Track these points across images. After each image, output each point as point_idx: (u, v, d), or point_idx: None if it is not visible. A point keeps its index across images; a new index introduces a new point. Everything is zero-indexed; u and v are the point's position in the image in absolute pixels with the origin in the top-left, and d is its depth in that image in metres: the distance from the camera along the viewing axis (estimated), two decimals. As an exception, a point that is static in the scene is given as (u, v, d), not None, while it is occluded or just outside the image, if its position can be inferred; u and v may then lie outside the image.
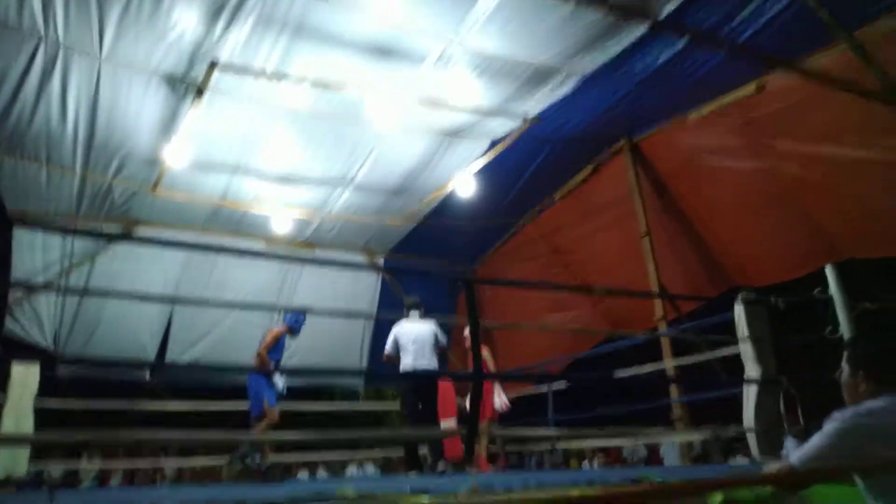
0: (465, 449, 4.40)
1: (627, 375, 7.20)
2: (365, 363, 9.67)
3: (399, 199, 8.34)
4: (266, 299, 8.81)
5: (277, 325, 6.50)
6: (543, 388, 7.95)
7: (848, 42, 5.12)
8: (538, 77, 6.24)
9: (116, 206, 7.54)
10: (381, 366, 6.92)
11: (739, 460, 7.40)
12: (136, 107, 6.13)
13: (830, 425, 2.06)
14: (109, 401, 7.32)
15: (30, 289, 7.48)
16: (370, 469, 10.35)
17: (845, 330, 4.47)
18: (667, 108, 7.05)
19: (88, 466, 9.15)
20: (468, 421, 3.67)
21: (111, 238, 7.08)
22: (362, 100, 6.30)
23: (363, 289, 9.73)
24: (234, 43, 5.41)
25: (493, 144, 7.40)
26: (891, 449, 1.94)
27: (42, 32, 5.20)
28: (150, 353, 8.27)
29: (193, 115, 6.08)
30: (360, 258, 9.50)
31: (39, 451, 8.02)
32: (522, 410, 9.04)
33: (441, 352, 6.24)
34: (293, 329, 6.41)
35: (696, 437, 7.46)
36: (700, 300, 8.01)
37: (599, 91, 6.64)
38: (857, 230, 6.28)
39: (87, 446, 9.39)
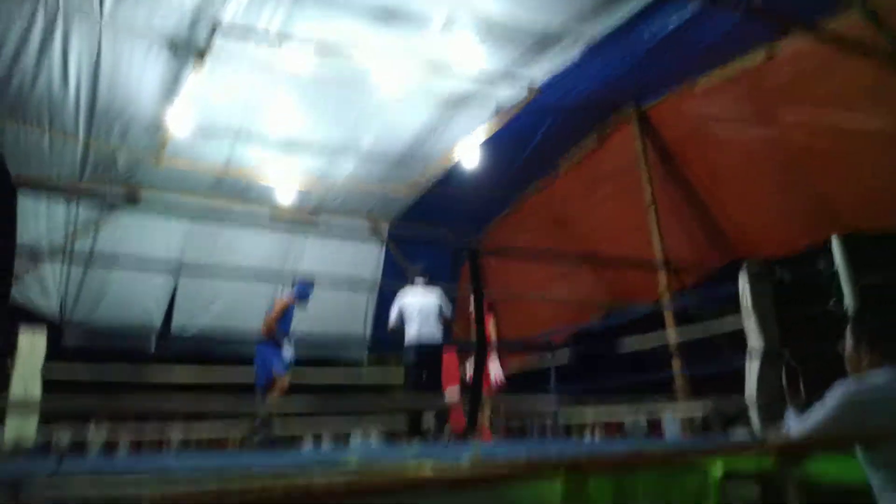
0: (468, 418, 4.44)
1: (630, 347, 7.22)
2: (369, 332, 9.72)
3: (403, 167, 8.29)
4: (270, 269, 8.83)
5: (286, 295, 6.52)
6: (546, 360, 7.99)
7: (860, 7, 5.03)
8: (544, 42, 6.14)
9: (120, 173, 7.52)
10: (386, 335, 6.95)
11: (741, 432, 7.44)
12: (137, 72, 6.07)
13: (832, 397, 2.07)
14: (116, 369, 7.37)
15: (36, 257, 7.50)
16: (374, 438, 10.46)
17: (849, 302, 4.46)
18: (675, 76, 6.95)
19: (96, 434, 9.26)
20: (471, 390, 3.71)
21: (116, 204, 7.06)
22: (366, 66, 6.22)
23: (367, 258, 9.74)
24: (236, 5, 5.33)
25: (499, 113, 7.32)
26: (892, 421, 1.95)
27: (40, -8, 5.12)
28: (156, 322, 8.33)
29: (195, 81, 6.03)
30: (364, 227, 9.49)
31: (47, 419, 8.13)
32: (525, 381, 9.11)
33: (445, 322, 6.27)
34: (302, 299, 6.43)
35: (697, 409, 7.50)
36: (704, 271, 7.99)
37: (607, 58, 6.53)
38: (864, 201, 6.23)
39: (95, 414, 9.51)
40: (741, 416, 8.15)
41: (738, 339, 4.90)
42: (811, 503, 2.71)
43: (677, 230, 7.68)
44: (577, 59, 6.46)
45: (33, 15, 5.30)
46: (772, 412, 4.22)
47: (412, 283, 6.30)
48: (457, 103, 7.14)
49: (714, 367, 6.61)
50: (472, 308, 5.97)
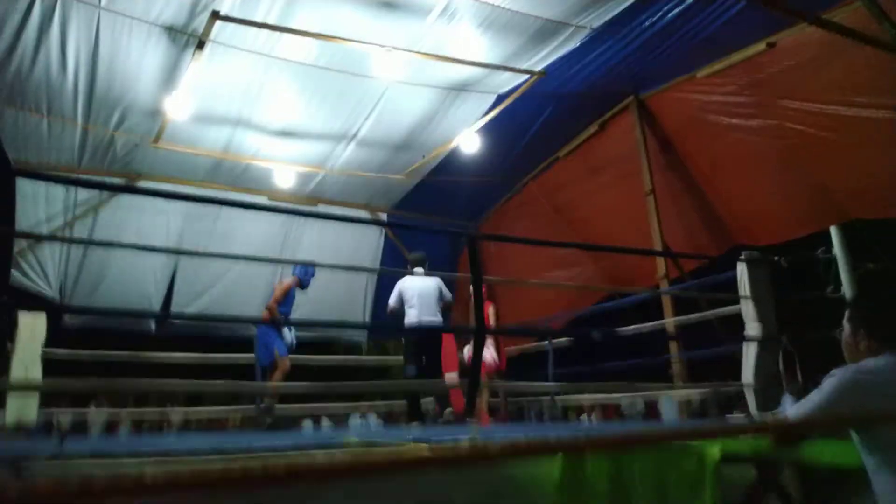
0: (467, 402, 4.48)
1: (628, 332, 7.25)
2: (368, 318, 9.74)
3: (403, 154, 8.28)
4: (269, 254, 8.84)
5: (287, 279, 6.54)
6: (545, 344, 8.03)
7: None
8: (546, 31, 6.12)
9: (118, 159, 7.52)
10: (385, 320, 6.98)
11: (737, 416, 7.50)
12: (136, 58, 6.05)
13: (830, 382, 2.08)
14: (116, 351, 7.40)
15: (36, 239, 7.50)
16: (373, 420, 10.54)
17: (847, 289, 4.49)
18: (675, 65, 6.94)
19: (96, 414, 9.32)
20: (470, 374, 3.73)
21: (115, 189, 7.05)
22: (366, 53, 6.20)
23: (366, 244, 9.74)
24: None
25: (499, 100, 7.31)
26: (890, 406, 1.97)
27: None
28: (156, 305, 8.34)
29: (195, 68, 6.00)
30: (363, 214, 9.49)
31: (48, 399, 8.16)
32: (523, 365, 9.16)
33: (445, 307, 6.28)
34: (303, 282, 6.45)
35: (694, 393, 7.55)
36: (703, 258, 8.02)
37: (608, 46, 6.53)
38: (862, 190, 6.25)
39: (96, 394, 9.57)
40: (738, 401, 8.24)
41: (736, 324, 4.94)
42: (807, 486, 2.75)
43: (676, 218, 7.71)
44: (579, 48, 6.44)
45: (32, 0, 5.27)
46: (768, 396, 4.27)
47: (411, 271, 6.30)
48: (457, 91, 7.13)
49: (711, 352, 6.66)
50: (471, 294, 6.01)
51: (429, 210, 9.61)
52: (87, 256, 7.91)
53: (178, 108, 6.47)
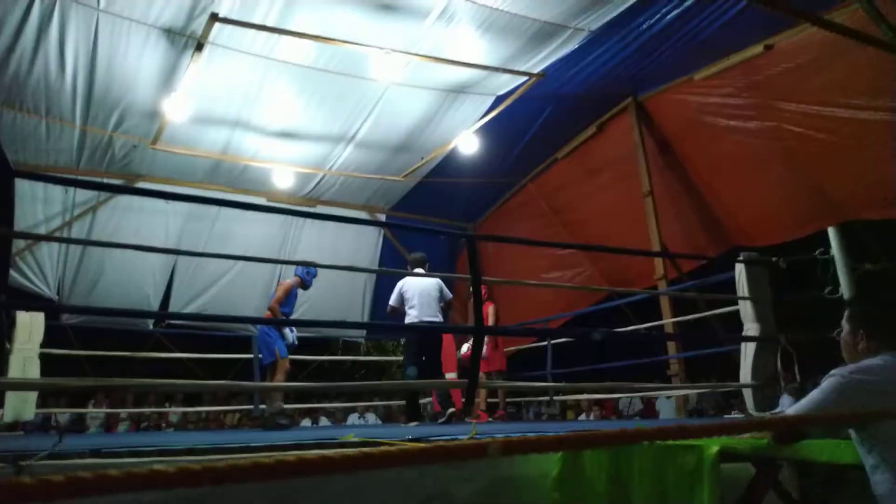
0: (465, 400, 4.48)
1: (627, 331, 7.27)
2: (367, 318, 9.75)
3: (402, 156, 8.29)
4: (267, 256, 8.84)
5: (289, 279, 6.55)
6: (543, 343, 8.06)
7: (861, 1, 5.03)
8: (544, 33, 6.13)
9: (116, 160, 7.53)
10: (383, 320, 6.97)
11: (735, 416, 7.53)
12: (135, 60, 6.05)
13: (829, 382, 2.09)
14: (114, 350, 7.41)
15: (34, 239, 7.50)
16: (371, 419, 10.55)
17: (845, 290, 4.51)
18: (673, 67, 6.96)
19: (94, 412, 9.32)
20: (469, 373, 3.74)
21: (113, 189, 7.04)
22: (364, 55, 6.20)
23: (365, 245, 9.75)
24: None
25: (498, 102, 7.32)
26: (889, 405, 1.98)
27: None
28: (154, 306, 8.34)
29: (193, 70, 6.00)
30: (362, 215, 9.49)
31: (46, 397, 8.16)
32: (523, 364, 9.18)
33: (446, 305, 6.29)
34: (305, 282, 6.46)
35: (692, 391, 7.58)
36: (701, 259, 8.04)
37: (606, 48, 6.55)
38: (860, 192, 6.26)
39: (94, 392, 9.56)
40: (736, 400, 8.27)
41: (734, 324, 4.96)
42: (806, 484, 2.76)
43: (674, 219, 7.73)
44: (577, 49, 6.45)
45: (31, 2, 5.27)
46: (766, 396, 4.28)
47: (412, 270, 6.30)
48: (456, 92, 7.13)
49: (710, 351, 6.68)
50: (470, 294, 6.01)
51: (427, 211, 9.62)
52: (86, 257, 7.91)
53: (176, 109, 6.47)
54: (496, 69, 6.59)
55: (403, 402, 7.25)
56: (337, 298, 9.17)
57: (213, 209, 8.30)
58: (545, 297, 9.33)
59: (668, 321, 6.86)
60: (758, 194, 7.13)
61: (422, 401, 7.51)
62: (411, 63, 6.32)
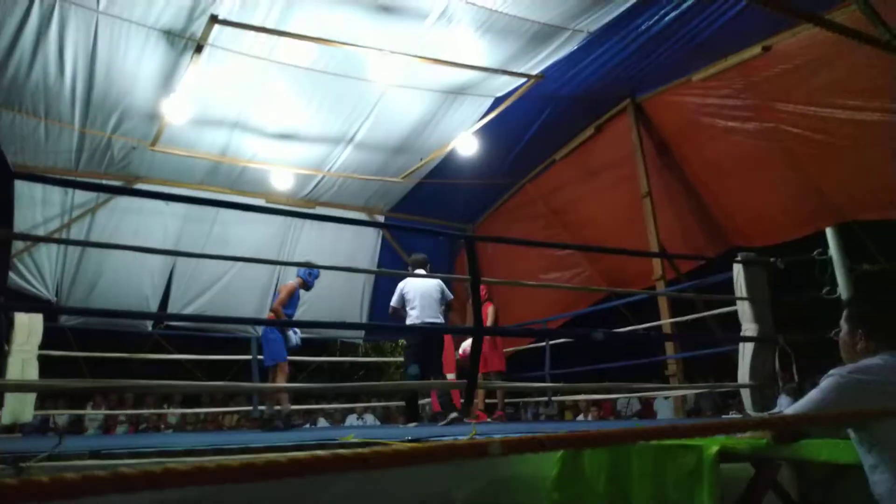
0: (465, 401, 4.49)
1: (625, 331, 7.28)
2: (365, 320, 9.75)
3: (400, 157, 8.29)
4: (266, 257, 8.84)
5: (290, 280, 6.55)
6: (541, 344, 8.07)
7: (858, 2, 5.05)
8: (543, 35, 6.13)
9: (115, 162, 7.53)
10: (382, 322, 6.97)
11: (733, 417, 7.54)
12: (134, 62, 6.05)
13: (829, 381, 2.09)
14: (113, 351, 7.40)
15: (33, 241, 7.49)
16: (370, 420, 10.55)
17: (843, 290, 4.52)
18: (672, 69, 6.98)
19: (93, 414, 9.31)
20: (468, 374, 3.74)
21: (112, 190, 7.04)
22: (364, 57, 6.20)
23: (363, 247, 9.74)
24: (233, -4, 5.31)
25: (497, 103, 7.33)
26: (888, 405, 1.98)
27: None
28: (153, 307, 8.33)
29: (193, 71, 6.00)
30: (360, 216, 9.49)
31: (44, 399, 8.15)
32: (521, 365, 9.19)
33: (447, 306, 6.28)
34: (307, 283, 6.47)
35: (690, 392, 7.58)
36: (699, 260, 8.06)
37: (605, 50, 6.56)
38: (857, 192, 6.29)
39: (92, 393, 9.55)
40: (734, 400, 8.28)
41: (733, 325, 4.97)
42: (805, 484, 2.77)
43: (672, 220, 7.74)
44: (576, 51, 6.46)
45: (30, 3, 5.27)
46: (764, 396, 4.29)
47: (413, 271, 6.30)
48: (455, 94, 7.14)
49: (708, 352, 6.69)
50: (469, 295, 6.01)
51: (426, 212, 9.63)
52: (84, 258, 7.91)
53: (175, 111, 6.47)
54: (495, 71, 6.60)
55: (402, 403, 7.25)
56: (336, 300, 9.17)
57: (212, 211, 8.30)
58: (544, 297, 9.35)
59: (666, 321, 6.88)
60: (756, 195, 7.15)
61: (420, 402, 7.52)
62: (410, 64, 6.32)
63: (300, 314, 7.00)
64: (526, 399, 11.31)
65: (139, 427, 9.72)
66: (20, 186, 7.34)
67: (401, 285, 6.22)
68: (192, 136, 7.24)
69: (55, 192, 7.49)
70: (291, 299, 6.30)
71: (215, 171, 8.08)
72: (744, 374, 4.48)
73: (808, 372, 4.36)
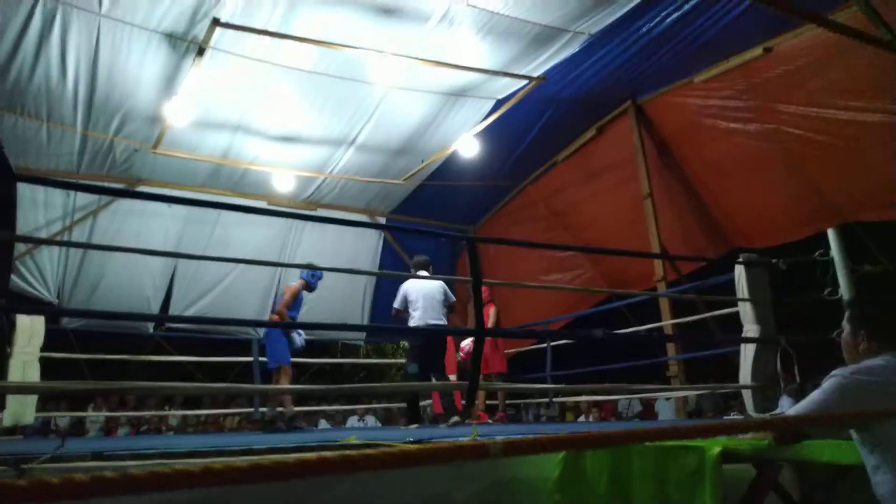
0: (466, 402, 4.49)
1: (626, 332, 7.28)
2: (367, 321, 9.75)
3: (402, 159, 8.30)
4: (267, 259, 8.84)
5: (293, 282, 6.56)
6: (543, 345, 8.07)
7: (859, 3, 5.05)
8: (544, 37, 6.13)
9: (117, 165, 7.54)
10: (384, 323, 6.96)
11: (735, 418, 7.53)
12: (136, 65, 6.05)
13: (831, 382, 2.09)
14: (114, 353, 7.41)
15: (35, 243, 7.50)
16: (371, 421, 10.55)
17: (844, 291, 4.51)
18: (673, 70, 6.98)
19: (94, 416, 9.31)
20: (469, 375, 3.74)
21: (115, 193, 7.05)
22: (365, 60, 6.20)
23: (365, 249, 9.74)
24: (235, 0, 5.31)
25: (498, 105, 7.33)
26: (890, 406, 1.98)
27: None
28: (154, 309, 8.33)
29: (195, 74, 6.00)
30: (362, 218, 9.50)
31: (46, 401, 8.16)
32: (522, 366, 9.19)
33: (450, 307, 6.27)
34: (310, 285, 6.47)
35: (691, 393, 7.58)
36: (701, 261, 8.05)
37: (606, 51, 6.56)
38: (859, 193, 6.28)
39: (93, 395, 9.56)
40: (735, 401, 8.27)
41: (734, 326, 4.96)
42: (807, 485, 2.77)
43: (673, 221, 7.74)
44: (577, 53, 6.47)
45: (33, 7, 5.28)
46: (766, 397, 4.28)
47: (416, 273, 6.30)
48: (457, 96, 7.14)
49: (709, 353, 6.69)
50: (470, 296, 6.01)
51: (428, 214, 9.63)
52: (86, 261, 7.91)
53: (177, 114, 6.47)
54: (496, 73, 6.60)
55: (403, 405, 7.24)
56: (337, 302, 9.17)
57: (214, 213, 8.31)
58: (545, 299, 9.35)
59: (667, 322, 6.88)
60: (757, 196, 7.15)
61: (422, 403, 7.51)
62: (412, 67, 6.32)
63: (302, 316, 7.00)
64: (527, 400, 11.30)
65: (140, 429, 9.73)
66: (22, 189, 7.34)
67: (403, 287, 6.21)
68: (193, 138, 7.25)
69: (57, 195, 7.50)
70: (295, 301, 6.31)
71: (217, 173, 8.09)
72: (745, 375, 4.47)
73: (809, 373, 4.35)
